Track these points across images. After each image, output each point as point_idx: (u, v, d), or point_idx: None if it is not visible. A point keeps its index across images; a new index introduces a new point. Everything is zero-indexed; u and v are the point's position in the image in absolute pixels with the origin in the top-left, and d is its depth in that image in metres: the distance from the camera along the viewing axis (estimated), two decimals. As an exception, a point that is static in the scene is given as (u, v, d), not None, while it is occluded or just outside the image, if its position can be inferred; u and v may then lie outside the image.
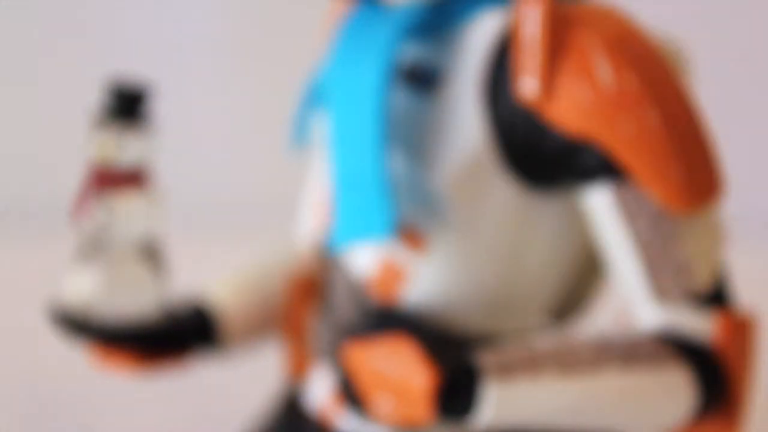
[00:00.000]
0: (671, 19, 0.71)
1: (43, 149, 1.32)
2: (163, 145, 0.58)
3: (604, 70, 0.51)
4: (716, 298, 0.53)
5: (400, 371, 0.49)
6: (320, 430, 0.58)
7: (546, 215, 0.55)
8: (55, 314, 0.58)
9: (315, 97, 0.60)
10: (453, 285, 0.55)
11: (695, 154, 0.52)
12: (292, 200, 0.70)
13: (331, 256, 0.60)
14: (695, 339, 0.53)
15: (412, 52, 0.55)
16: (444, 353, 0.50)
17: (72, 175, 0.62)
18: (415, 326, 0.54)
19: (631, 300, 0.54)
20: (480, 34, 0.54)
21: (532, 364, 0.50)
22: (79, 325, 0.57)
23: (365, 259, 0.57)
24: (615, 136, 0.51)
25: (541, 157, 0.53)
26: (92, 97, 0.59)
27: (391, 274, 0.56)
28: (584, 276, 0.58)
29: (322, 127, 0.60)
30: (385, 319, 0.56)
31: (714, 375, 0.52)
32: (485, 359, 0.50)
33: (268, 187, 1.12)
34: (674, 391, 0.52)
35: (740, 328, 0.53)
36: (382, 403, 0.50)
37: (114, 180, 0.57)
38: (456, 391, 0.49)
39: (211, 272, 0.64)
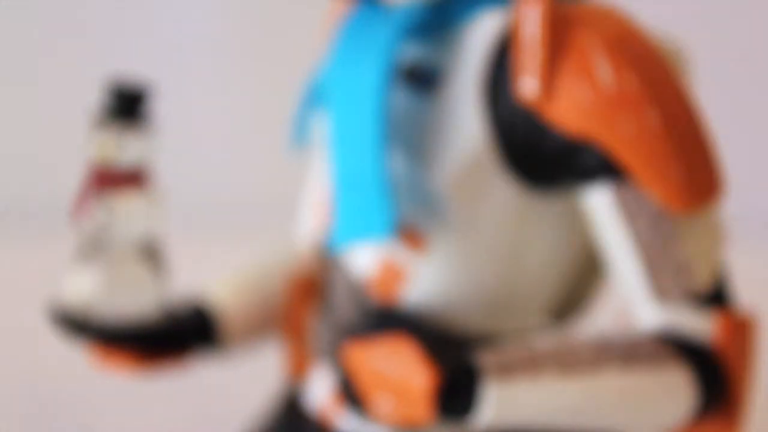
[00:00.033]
0: (671, 19, 0.71)
1: (43, 149, 1.32)
2: (163, 145, 0.58)
3: (604, 70, 0.51)
4: (716, 298, 0.53)
5: (400, 371, 0.49)
6: (320, 430, 0.58)
7: (546, 215, 0.55)
8: (55, 314, 0.58)
9: (315, 97, 0.60)
10: (453, 285, 0.55)
11: (695, 154, 0.52)
12: (292, 200, 0.70)
13: (331, 256, 0.60)
14: (695, 339, 0.53)
15: (412, 52, 0.55)
16: (444, 353, 0.50)
17: (72, 175, 0.62)
18: (415, 326, 0.54)
19: (631, 300, 0.54)
20: (480, 34, 0.54)
21: (532, 364, 0.50)
22: (79, 325, 0.57)
23: (365, 259, 0.57)
24: (615, 136, 0.51)
25: (541, 157, 0.53)
26: (92, 97, 0.59)
27: (391, 274, 0.56)
28: (584, 276, 0.58)
29: (322, 127, 0.60)
30: (385, 319, 0.56)
31: (714, 375, 0.52)
32: (485, 359, 0.50)
33: (268, 187, 1.12)
34: (674, 391, 0.52)
35: (740, 328, 0.53)
36: (382, 403, 0.50)
37: (114, 180, 0.57)
38: (456, 391, 0.49)
39: (211, 272, 0.64)
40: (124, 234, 0.57)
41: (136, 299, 0.58)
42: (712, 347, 0.52)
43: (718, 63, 1.19)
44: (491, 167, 0.54)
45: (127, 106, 0.56)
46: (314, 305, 0.61)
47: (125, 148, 0.56)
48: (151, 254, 0.58)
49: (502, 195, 0.54)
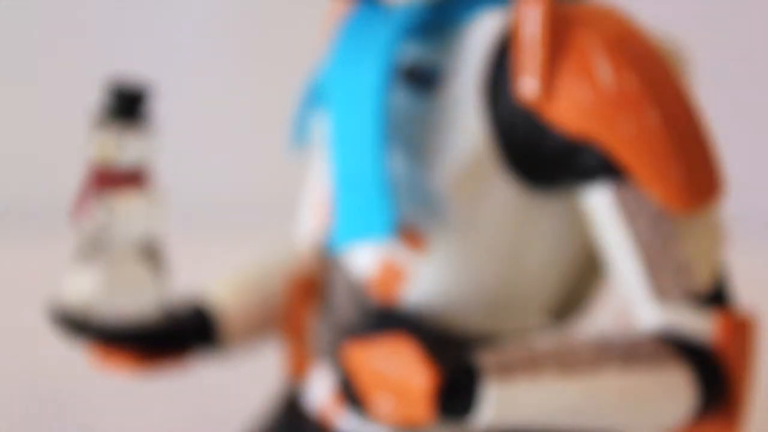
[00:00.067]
0: (671, 19, 0.71)
1: (43, 149, 1.31)
2: (163, 145, 0.58)
3: (604, 70, 0.51)
4: (716, 298, 0.53)
5: (400, 371, 0.49)
6: (320, 430, 0.58)
7: (546, 215, 0.55)
8: (55, 314, 0.58)
9: (315, 97, 0.60)
10: (453, 285, 0.55)
11: (695, 154, 0.52)
12: (292, 200, 0.70)
13: (331, 256, 0.60)
14: (695, 339, 0.53)
15: (412, 52, 0.55)
16: (444, 353, 0.50)
17: (72, 175, 0.62)
18: (415, 326, 0.54)
19: (631, 300, 0.54)
20: (480, 34, 0.54)
21: (532, 364, 0.50)
22: (79, 325, 0.57)
23: (365, 259, 0.57)
24: (615, 136, 0.51)
25: (541, 157, 0.53)
26: (92, 97, 0.59)
27: (391, 274, 0.56)
28: (584, 276, 0.58)
29: (322, 127, 0.60)
30: (385, 319, 0.56)
31: (714, 375, 0.52)
32: (485, 359, 0.50)
33: (268, 187, 1.12)
34: (674, 391, 0.52)
35: (740, 328, 0.53)
36: (382, 403, 0.50)
37: (114, 180, 0.57)
38: (456, 391, 0.49)
39: (211, 272, 0.64)
40: (124, 234, 0.57)
41: (136, 299, 0.58)
42: (712, 347, 0.52)
43: (718, 63, 1.19)
44: (491, 167, 0.54)
45: (127, 106, 0.56)
46: (314, 305, 0.61)
47: (125, 148, 0.56)
48: (151, 254, 0.58)
49: (502, 195, 0.54)
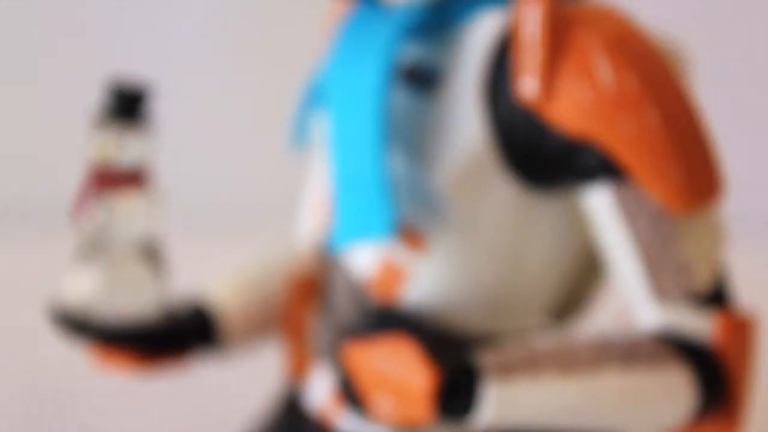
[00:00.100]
0: (671, 19, 0.71)
1: (43, 149, 1.31)
2: (163, 145, 0.58)
3: (604, 70, 0.51)
4: (716, 298, 0.53)
5: (400, 371, 0.49)
6: (320, 430, 0.58)
7: (546, 215, 0.55)
8: (55, 314, 0.58)
9: (315, 97, 0.60)
10: (453, 285, 0.55)
11: (695, 154, 0.52)
12: (292, 200, 0.70)
13: (331, 256, 0.60)
14: (695, 339, 0.53)
15: (412, 52, 0.55)
16: (444, 353, 0.50)
17: (72, 175, 0.62)
18: (415, 326, 0.54)
19: (631, 300, 0.54)
20: (480, 34, 0.54)
21: (532, 364, 0.50)
22: (79, 325, 0.57)
23: (365, 259, 0.57)
24: (615, 136, 0.51)
25: (541, 157, 0.53)
26: (92, 97, 0.59)
27: (391, 274, 0.56)
28: (584, 276, 0.58)
29: (322, 127, 0.60)
30: (385, 319, 0.56)
31: (714, 375, 0.52)
32: (485, 359, 0.50)
33: (268, 187, 1.12)
34: (674, 391, 0.52)
35: (740, 328, 0.53)
36: (382, 403, 0.50)
37: (114, 180, 0.57)
38: (456, 391, 0.49)
39: (211, 272, 0.64)
40: (124, 234, 0.57)
41: (136, 299, 0.58)
42: (712, 347, 0.52)
43: (718, 63, 1.19)
44: (491, 167, 0.54)
45: (127, 106, 0.56)
46: (314, 305, 0.61)
47: (125, 148, 0.56)
48: (151, 254, 0.58)
49: (502, 195, 0.54)
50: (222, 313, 0.61)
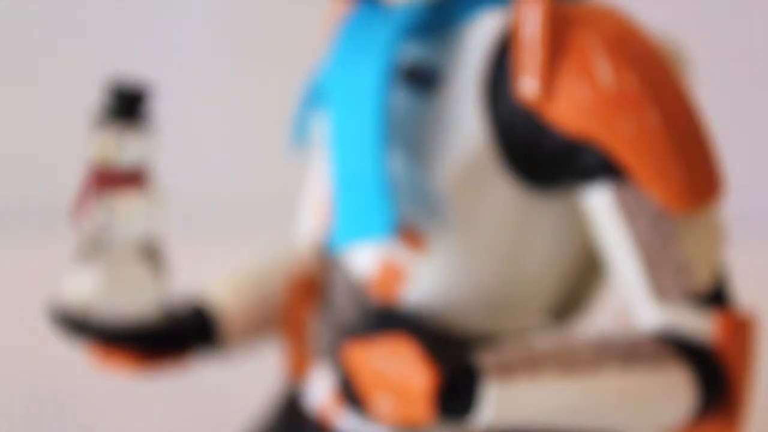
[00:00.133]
0: (671, 19, 0.71)
1: (43, 149, 1.31)
2: (163, 145, 0.58)
3: (604, 70, 0.51)
4: (716, 298, 0.53)
5: (400, 371, 0.49)
6: (320, 430, 0.58)
7: (546, 215, 0.55)
8: (55, 314, 0.58)
9: (315, 97, 0.60)
10: (453, 285, 0.55)
11: (695, 154, 0.52)
12: (292, 200, 0.70)
13: (331, 256, 0.60)
14: (695, 339, 0.53)
15: (412, 52, 0.55)
16: (444, 353, 0.50)
17: (72, 175, 0.62)
18: (415, 326, 0.54)
19: (631, 300, 0.54)
20: (480, 34, 0.54)
21: (532, 364, 0.50)
22: (79, 325, 0.57)
23: (365, 259, 0.57)
24: (615, 136, 0.51)
25: (541, 157, 0.53)
26: (92, 97, 0.59)
27: (391, 274, 0.56)
28: (584, 276, 0.58)
29: (322, 127, 0.60)
30: (385, 319, 0.56)
31: (714, 375, 0.52)
32: (485, 359, 0.50)
33: (268, 187, 1.12)
34: (674, 391, 0.52)
35: (740, 328, 0.53)
36: (382, 403, 0.50)
37: (114, 180, 0.57)
38: (456, 391, 0.49)
39: (211, 272, 0.64)
40: (124, 234, 0.57)
41: (136, 299, 0.58)
42: (712, 347, 0.52)
43: (718, 63, 1.19)
44: (491, 167, 0.54)
45: (127, 106, 0.56)
46: (314, 305, 0.61)
47: (125, 148, 0.56)
48: (151, 254, 0.58)
49: (502, 195, 0.54)
50: (222, 313, 0.61)
